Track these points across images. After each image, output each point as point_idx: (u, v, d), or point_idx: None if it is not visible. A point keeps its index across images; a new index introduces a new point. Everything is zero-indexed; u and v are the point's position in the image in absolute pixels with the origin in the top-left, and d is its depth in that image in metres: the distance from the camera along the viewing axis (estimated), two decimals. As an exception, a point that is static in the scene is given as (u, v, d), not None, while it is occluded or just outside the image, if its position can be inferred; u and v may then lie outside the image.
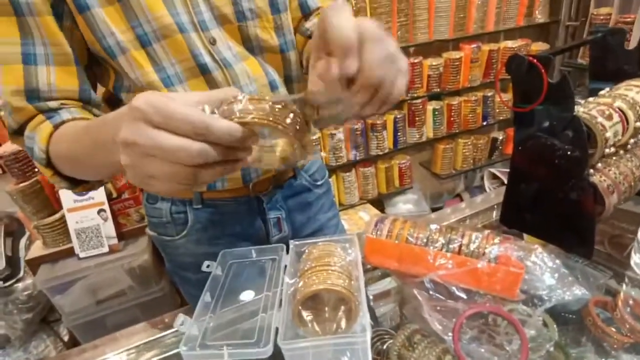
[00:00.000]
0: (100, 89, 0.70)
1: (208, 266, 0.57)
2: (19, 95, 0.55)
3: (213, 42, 0.62)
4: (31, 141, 0.56)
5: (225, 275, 0.58)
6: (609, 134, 0.62)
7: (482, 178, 2.99)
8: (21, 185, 1.31)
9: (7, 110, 0.57)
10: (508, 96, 2.69)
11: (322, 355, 0.48)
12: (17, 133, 0.59)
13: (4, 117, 0.63)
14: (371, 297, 0.74)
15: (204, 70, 0.62)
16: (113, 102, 0.69)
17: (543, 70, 0.62)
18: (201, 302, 0.51)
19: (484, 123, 2.67)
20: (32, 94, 0.55)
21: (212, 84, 0.64)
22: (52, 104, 0.56)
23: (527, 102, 0.66)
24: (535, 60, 0.62)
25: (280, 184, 0.79)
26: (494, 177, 2.82)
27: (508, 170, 0.75)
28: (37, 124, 0.56)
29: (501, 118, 2.72)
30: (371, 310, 0.71)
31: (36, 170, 1.36)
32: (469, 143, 2.66)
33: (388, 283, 0.76)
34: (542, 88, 0.63)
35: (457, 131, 2.61)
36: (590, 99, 0.70)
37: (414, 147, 2.63)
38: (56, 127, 0.54)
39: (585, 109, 0.65)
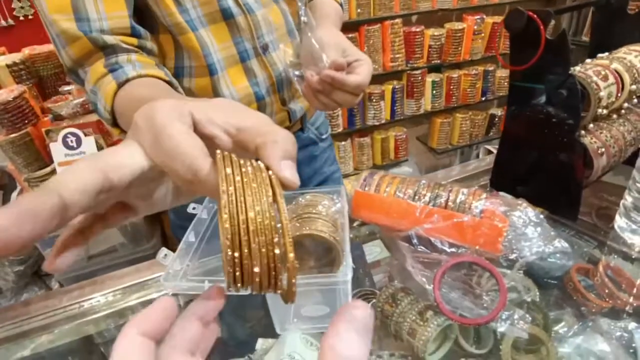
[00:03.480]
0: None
1: (194, 208, 0.57)
2: (70, 22, 0.51)
3: None
4: (94, 96, 0.53)
5: (210, 219, 0.58)
6: (602, 94, 0.61)
7: (478, 155, 2.99)
8: (11, 136, 1.30)
9: (60, 43, 0.53)
10: (509, 72, 2.65)
11: (303, 296, 0.49)
12: (73, 73, 0.56)
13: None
14: (353, 266, 0.75)
15: (226, 15, 0.61)
16: None
17: (541, 26, 0.60)
18: (184, 241, 0.52)
19: (483, 98, 2.65)
20: (82, 23, 0.51)
21: (234, 30, 0.63)
22: (109, 38, 0.52)
23: (523, 64, 0.65)
24: (534, 15, 0.61)
25: None
26: (490, 154, 2.82)
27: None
28: (99, 76, 0.52)
29: (501, 94, 2.70)
30: (368, 275, 0.72)
31: (26, 122, 1.34)
32: (467, 118, 2.64)
33: (378, 254, 0.77)
34: (540, 45, 0.62)
35: (455, 105, 2.59)
36: (588, 60, 0.69)
37: (411, 120, 2.61)
38: (120, 85, 0.50)
39: (582, 68, 0.64)
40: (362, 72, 0.59)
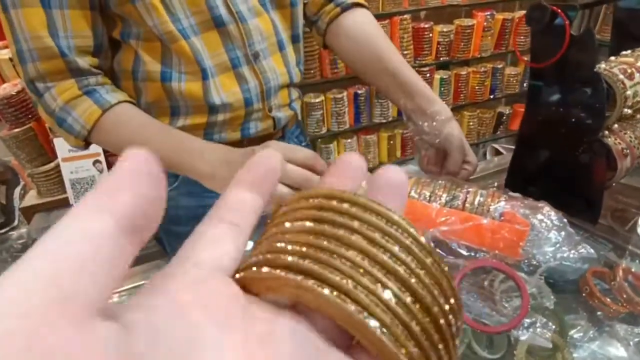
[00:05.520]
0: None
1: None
2: (47, 38, 0.55)
3: None
4: (63, 112, 0.58)
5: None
6: (629, 93, 0.59)
7: (484, 154, 2.96)
8: (15, 131, 1.28)
9: (30, 57, 0.56)
10: (518, 70, 2.62)
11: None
12: (32, 84, 0.58)
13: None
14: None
15: (218, 23, 0.61)
16: (113, 48, 0.68)
17: (567, 21, 0.58)
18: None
19: (491, 96, 2.62)
20: (55, 38, 0.55)
21: (226, 38, 0.63)
22: (82, 62, 0.57)
23: (544, 61, 0.63)
24: (559, 10, 0.58)
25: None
26: (497, 153, 2.79)
27: (511, 146, 0.73)
28: (72, 96, 0.57)
29: (509, 92, 2.66)
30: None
31: (30, 116, 1.32)
32: (475, 116, 2.61)
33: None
34: (563, 42, 0.59)
35: (463, 103, 2.55)
36: (612, 57, 0.66)
37: (418, 118, 2.58)
38: (104, 111, 0.58)
39: (607, 66, 0.62)
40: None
